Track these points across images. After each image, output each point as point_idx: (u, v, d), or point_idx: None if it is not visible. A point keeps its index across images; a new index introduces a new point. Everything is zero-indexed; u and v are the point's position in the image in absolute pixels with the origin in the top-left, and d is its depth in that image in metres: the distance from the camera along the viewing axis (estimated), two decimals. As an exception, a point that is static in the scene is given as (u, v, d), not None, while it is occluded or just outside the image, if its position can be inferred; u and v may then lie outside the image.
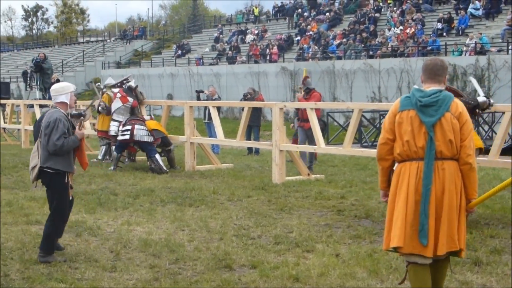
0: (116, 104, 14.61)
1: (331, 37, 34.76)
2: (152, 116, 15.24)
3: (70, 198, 7.14)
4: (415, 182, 5.00)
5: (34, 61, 24.14)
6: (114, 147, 14.52)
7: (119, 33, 65.55)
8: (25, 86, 38.91)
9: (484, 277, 6.24)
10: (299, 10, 42.15)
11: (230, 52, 39.61)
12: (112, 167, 13.98)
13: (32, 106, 19.79)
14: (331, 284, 6.10)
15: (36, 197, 10.30)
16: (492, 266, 6.55)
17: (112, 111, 14.65)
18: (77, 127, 7.04)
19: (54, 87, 7.24)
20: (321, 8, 41.24)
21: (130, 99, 14.62)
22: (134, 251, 7.33)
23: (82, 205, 9.71)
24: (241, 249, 7.35)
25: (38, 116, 17.45)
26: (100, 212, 9.50)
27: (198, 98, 19.76)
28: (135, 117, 14.34)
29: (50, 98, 9.95)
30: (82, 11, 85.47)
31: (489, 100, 8.33)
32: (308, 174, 12.82)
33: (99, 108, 14.93)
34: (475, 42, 26.23)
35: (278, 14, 45.72)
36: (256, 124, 17.89)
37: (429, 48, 28.26)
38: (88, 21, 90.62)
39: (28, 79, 36.59)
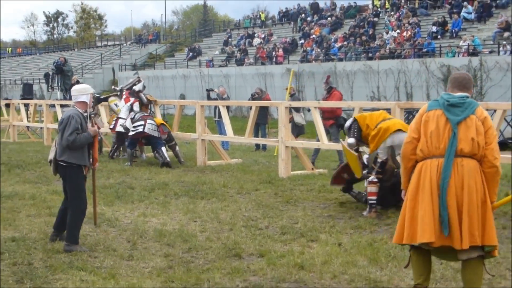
0: (121, 104, 14.91)
1: (332, 40, 34.66)
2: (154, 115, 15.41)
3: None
4: (436, 179, 4.89)
5: (55, 64, 24.10)
6: (127, 144, 14.58)
7: (135, 37, 65.62)
8: (47, 87, 38.89)
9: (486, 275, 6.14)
10: (303, 15, 42.02)
11: (238, 54, 39.54)
12: (128, 163, 14.02)
13: (53, 105, 19.81)
14: (334, 271, 6.09)
15: (58, 191, 10.29)
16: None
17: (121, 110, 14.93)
18: (89, 125, 7.08)
19: (76, 87, 7.33)
20: (323, 13, 41.11)
21: (131, 100, 14.80)
22: (149, 241, 7.34)
23: (101, 198, 9.69)
24: (249, 239, 7.34)
25: (59, 115, 17.55)
26: (117, 205, 9.52)
27: (208, 96, 19.76)
28: (145, 113, 14.44)
29: (70, 98, 9.99)
30: (100, 17, 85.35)
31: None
32: (312, 169, 12.80)
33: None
34: (468, 44, 26.07)
35: (283, 19, 45.60)
36: (263, 122, 17.89)
37: (424, 50, 28.14)
38: (106, 26, 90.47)
39: (50, 80, 36.53)
